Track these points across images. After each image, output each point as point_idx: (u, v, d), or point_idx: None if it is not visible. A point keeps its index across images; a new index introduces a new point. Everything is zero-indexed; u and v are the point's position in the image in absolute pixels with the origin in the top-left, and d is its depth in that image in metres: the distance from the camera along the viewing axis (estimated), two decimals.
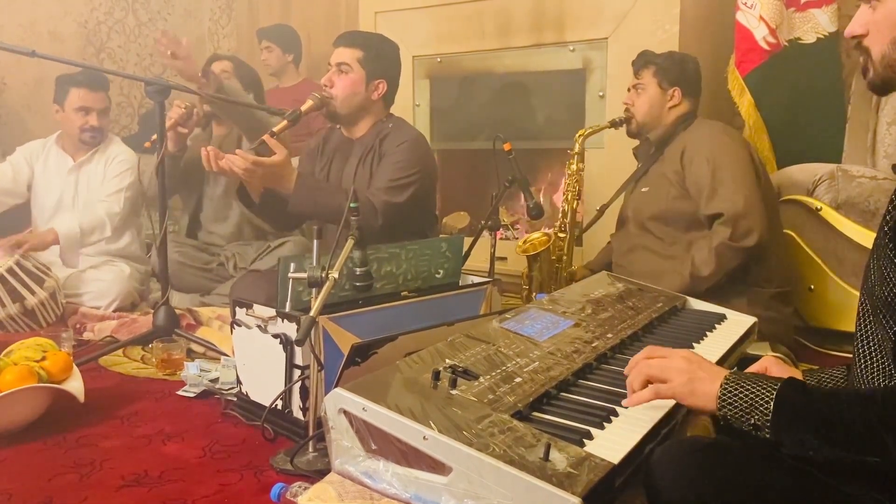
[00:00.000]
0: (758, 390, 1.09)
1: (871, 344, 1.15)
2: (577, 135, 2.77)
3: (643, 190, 2.63)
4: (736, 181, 2.35)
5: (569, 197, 2.76)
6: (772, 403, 1.06)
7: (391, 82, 2.62)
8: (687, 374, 1.17)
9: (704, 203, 2.39)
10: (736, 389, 1.10)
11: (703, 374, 1.16)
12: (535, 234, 2.82)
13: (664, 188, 2.52)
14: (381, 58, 2.58)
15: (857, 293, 1.20)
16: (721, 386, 1.12)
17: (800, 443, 1.04)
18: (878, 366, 1.13)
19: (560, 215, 2.79)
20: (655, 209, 2.54)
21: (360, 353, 1.64)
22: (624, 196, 2.82)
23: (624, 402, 1.24)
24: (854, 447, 1.00)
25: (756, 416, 1.07)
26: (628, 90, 2.68)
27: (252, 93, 3.17)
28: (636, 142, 2.79)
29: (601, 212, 2.93)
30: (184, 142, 3.08)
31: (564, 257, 2.76)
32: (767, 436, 1.06)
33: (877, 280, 1.12)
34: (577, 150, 2.75)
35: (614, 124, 2.71)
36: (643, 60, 2.62)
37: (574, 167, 2.75)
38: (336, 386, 1.57)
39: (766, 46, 3.09)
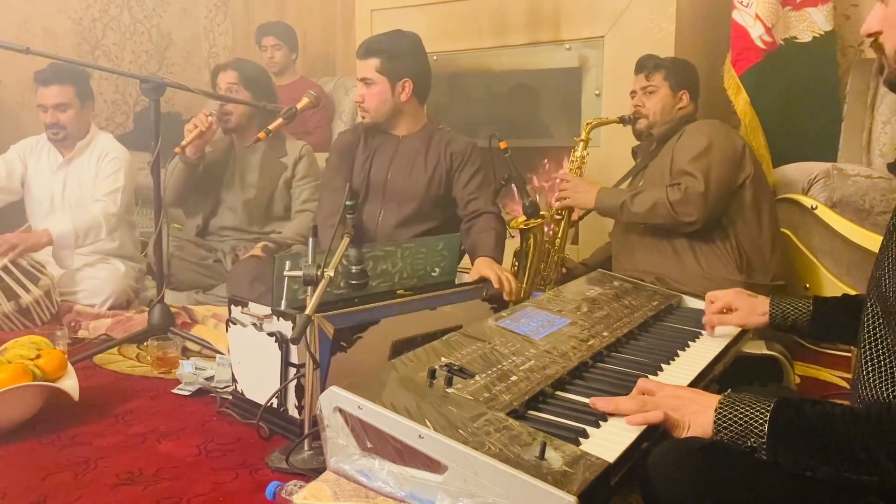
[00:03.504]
0: (752, 413, 1.08)
1: (880, 349, 1.13)
2: (585, 123, 2.83)
3: (640, 184, 2.65)
4: (714, 169, 2.40)
5: None
6: (766, 426, 1.05)
7: (418, 77, 2.59)
8: (679, 411, 1.16)
9: (681, 162, 2.45)
10: (730, 414, 1.09)
11: (697, 407, 1.15)
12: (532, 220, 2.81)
13: (662, 183, 2.52)
14: (398, 58, 2.55)
15: (854, 292, 1.20)
16: (715, 411, 1.11)
17: (796, 463, 1.03)
18: (885, 372, 1.12)
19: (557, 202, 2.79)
20: None
21: (345, 338, 1.63)
22: None
23: (629, 420, 1.20)
24: (850, 467, 0.99)
25: (752, 439, 1.06)
26: (633, 92, 2.72)
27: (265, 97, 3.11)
28: (631, 141, 2.80)
29: None
30: (202, 150, 3.08)
31: (557, 241, 2.77)
32: (765, 457, 1.05)
33: (891, 285, 1.11)
34: (583, 136, 2.79)
35: (623, 121, 2.74)
36: (653, 64, 2.68)
37: (579, 153, 2.78)
38: (325, 375, 1.57)
39: (762, 45, 3.09)
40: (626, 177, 2.79)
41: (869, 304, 1.18)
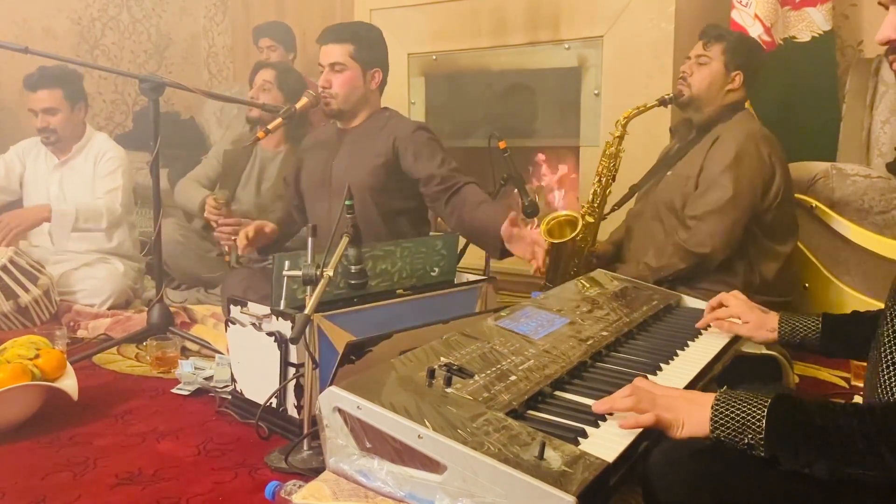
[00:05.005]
0: (749, 408, 1.06)
1: None
2: (622, 116, 2.61)
3: (668, 174, 2.54)
4: (724, 211, 2.31)
5: (603, 181, 2.62)
6: (764, 421, 1.04)
7: (384, 69, 2.63)
8: (672, 410, 1.14)
9: (695, 198, 2.37)
10: (727, 410, 1.08)
11: (691, 406, 1.13)
12: (562, 213, 2.62)
13: (686, 180, 2.44)
14: (371, 47, 2.57)
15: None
16: (712, 408, 1.09)
17: (795, 458, 1.02)
18: None
19: (591, 198, 2.65)
20: (668, 198, 2.47)
21: (355, 352, 1.63)
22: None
23: (621, 425, 1.19)
24: (852, 461, 0.98)
25: (749, 435, 1.05)
26: (687, 58, 2.55)
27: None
28: (661, 125, 2.66)
29: (632, 192, 2.78)
30: None
31: (587, 243, 2.63)
32: (762, 454, 1.04)
33: None
34: (618, 133, 2.60)
35: (663, 102, 2.55)
36: (715, 33, 2.50)
37: (614, 149, 2.60)
38: (331, 384, 1.56)
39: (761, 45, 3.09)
40: (661, 163, 2.66)
41: (890, 311, 1.15)
